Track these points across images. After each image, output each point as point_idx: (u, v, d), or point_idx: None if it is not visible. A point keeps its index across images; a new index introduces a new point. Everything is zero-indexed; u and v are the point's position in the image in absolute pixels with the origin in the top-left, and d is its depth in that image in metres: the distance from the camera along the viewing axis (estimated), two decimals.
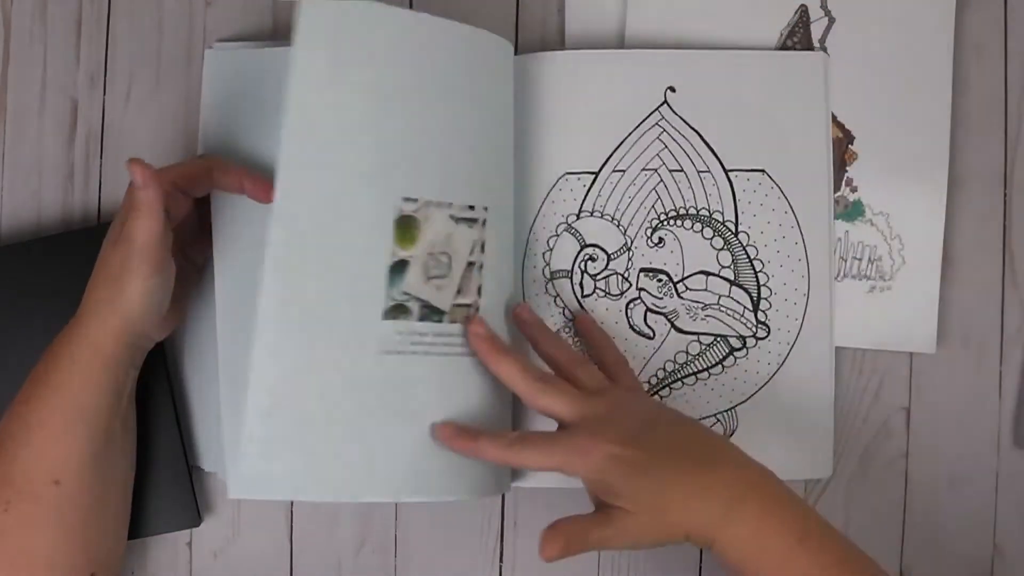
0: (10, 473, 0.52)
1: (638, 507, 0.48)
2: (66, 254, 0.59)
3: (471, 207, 0.55)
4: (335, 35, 0.51)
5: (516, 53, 0.62)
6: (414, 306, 0.54)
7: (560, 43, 0.63)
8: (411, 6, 0.63)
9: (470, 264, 0.55)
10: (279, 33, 0.63)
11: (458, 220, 0.55)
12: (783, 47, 0.62)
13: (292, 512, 0.62)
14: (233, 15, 0.63)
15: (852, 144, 0.62)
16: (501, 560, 0.62)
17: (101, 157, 0.62)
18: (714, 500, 0.48)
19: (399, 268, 0.53)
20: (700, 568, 0.62)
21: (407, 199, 0.53)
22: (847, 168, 0.62)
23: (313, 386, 0.51)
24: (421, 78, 0.53)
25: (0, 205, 0.62)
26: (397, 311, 0.53)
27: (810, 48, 0.62)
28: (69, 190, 0.62)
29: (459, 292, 0.55)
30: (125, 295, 0.52)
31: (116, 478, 0.55)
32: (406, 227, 0.53)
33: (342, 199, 0.52)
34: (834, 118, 0.62)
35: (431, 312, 0.54)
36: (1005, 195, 0.64)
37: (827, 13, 0.62)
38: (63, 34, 0.63)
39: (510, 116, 0.57)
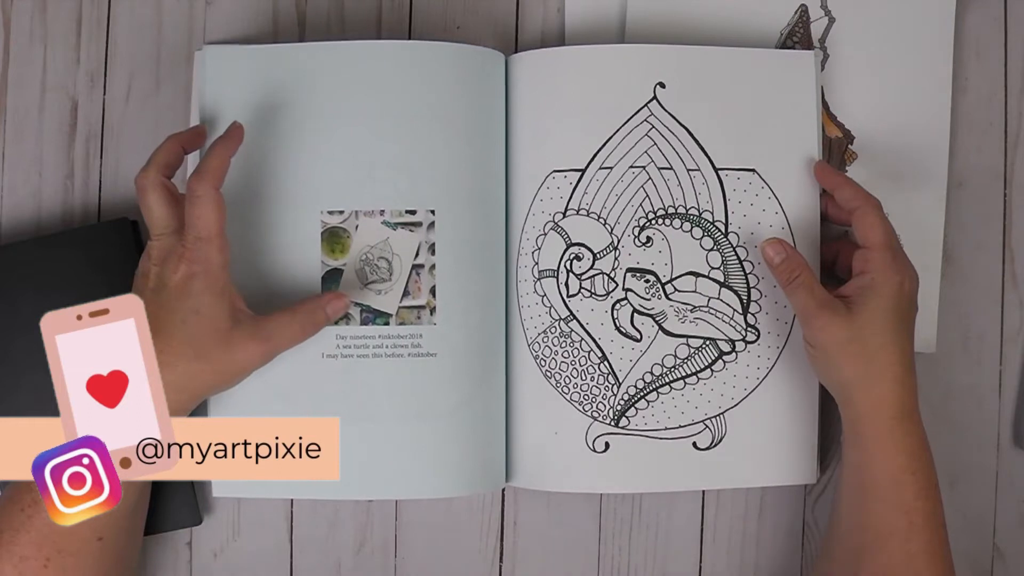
0: (55, 534, 0.50)
1: (858, 333, 0.54)
2: (66, 253, 0.59)
3: (411, 211, 0.56)
4: (235, 79, 0.57)
5: (516, 51, 0.62)
6: (354, 311, 0.57)
7: (560, 42, 0.63)
8: (411, 7, 0.63)
9: (417, 267, 0.57)
10: (280, 33, 0.63)
11: (395, 225, 0.56)
12: (783, 47, 0.62)
13: (292, 512, 0.62)
14: (233, 15, 0.63)
15: (852, 144, 0.62)
16: (501, 560, 0.62)
17: (101, 157, 0.62)
18: (886, 389, 0.54)
19: (332, 277, 0.57)
20: (700, 569, 0.62)
21: (331, 212, 0.57)
22: (847, 168, 0.62)
23: (266, 389, 0.56)
24: (334, 101, 0.57)
25: (0, 205, 0.62)
26: None
27: (810, 48, 0.62)
28: (69, 189, 0.62)
29: (406, 294, 0.56)
30: (232, 356, 0.51)
31: (143, 514, 0.55)
32: (334, 238, 0.57)
33: (273, 219, 0.57)
34: (834, 118, 0.62)
35: (376, 316, 0.57)
36: (1005, 195, 0.64)
37: (827, 13, 0.62)
38: (63, 34, 0.63)
39: (467, 115, 0.58)
